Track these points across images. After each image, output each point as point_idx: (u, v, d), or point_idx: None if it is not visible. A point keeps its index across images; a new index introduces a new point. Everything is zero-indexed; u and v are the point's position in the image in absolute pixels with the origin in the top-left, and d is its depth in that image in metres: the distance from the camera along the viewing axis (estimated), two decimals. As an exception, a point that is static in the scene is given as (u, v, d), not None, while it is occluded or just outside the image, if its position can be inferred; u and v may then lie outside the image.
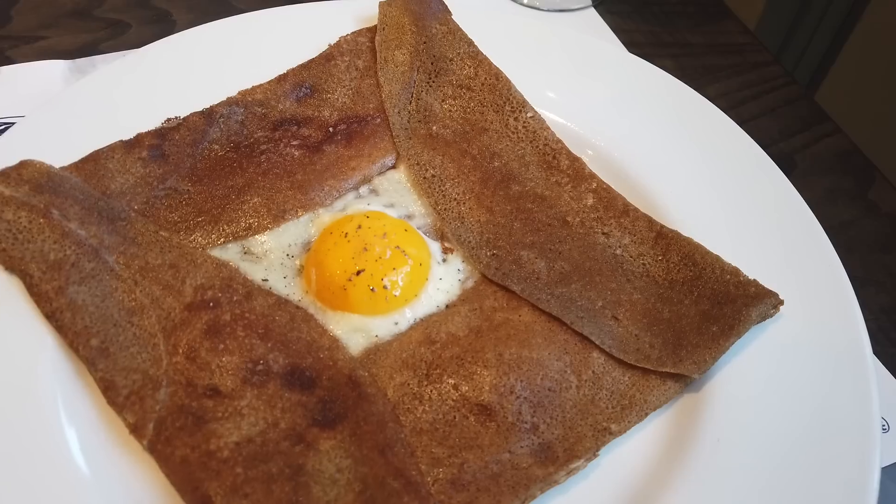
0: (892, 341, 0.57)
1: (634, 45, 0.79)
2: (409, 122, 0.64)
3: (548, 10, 0.82)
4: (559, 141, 0.63)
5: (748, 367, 0.49)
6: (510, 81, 0.66)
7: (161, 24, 0.78)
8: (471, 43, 0.68)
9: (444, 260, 0.56)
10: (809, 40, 0.92)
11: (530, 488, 0.44)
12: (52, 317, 0.49)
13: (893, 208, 0.66)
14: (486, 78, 0.66)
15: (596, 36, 0.80)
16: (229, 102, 0.63)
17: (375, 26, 0.69)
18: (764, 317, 0.50)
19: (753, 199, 0.58)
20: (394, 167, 0.62)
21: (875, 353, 0.56)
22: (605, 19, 0.82)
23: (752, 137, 0.69)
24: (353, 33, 0.69)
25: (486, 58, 0.67)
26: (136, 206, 0.56)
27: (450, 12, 0.70)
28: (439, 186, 0.60)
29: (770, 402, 0.47)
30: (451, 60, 0.67)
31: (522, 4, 0.83)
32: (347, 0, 0.73)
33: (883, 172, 0.69)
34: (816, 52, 0.92)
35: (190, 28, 0.75)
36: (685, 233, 0.57)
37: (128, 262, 0.52)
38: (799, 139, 0.71)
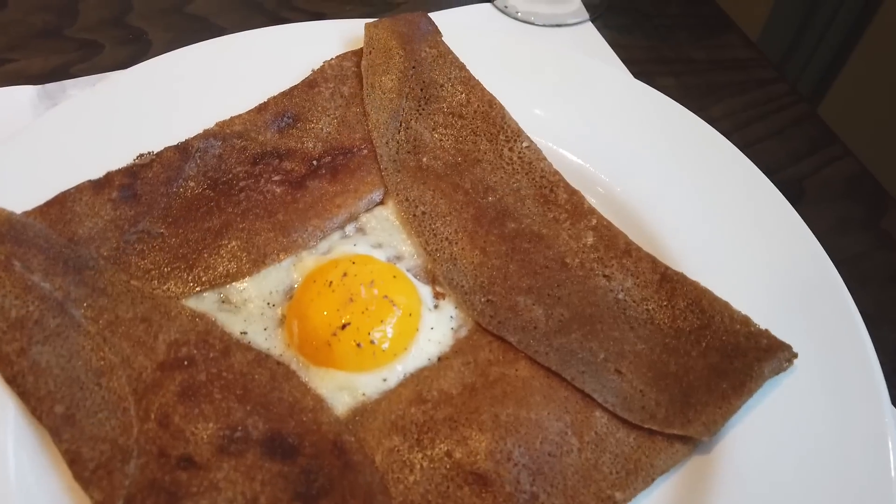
0: (910, 386, 0.54)
1: (634, 61, 0.76)
2: (397, 152, 0.61)
3: (543, 26, 0.78)
4: (556, 173, 0.60)
5: (759, 426, 0.46)
6: (504, 108, 0.62)
7: (136, 45, 0.74)
8: (462, 67, 0.65)
9: (435, 306, 0.53)
10: (814, 50, 0.88)
11: (530, 565, 0.41)
12: (14, 381, 0.45)
13: (907, 239, 0.63)
14: (478, 105, 0.63)
15: (594, 53, 0.76)
16: (206, 135, 0.59)
17: (361, 49, 0.65)
18: (776, 372, 0.47)
19: (763, 237, 0.55)
20: (382, 203, 0.59)
21: (893, 400, 0.53)
22: (602, 34, 0.78)
23: (759, 162, 0.66)
24: (337, 57, 0.65)
25: (478, 83, 0.64)
26: (106, 253, 0.52)
27: (440, 33, 0.67)
28: (430, 224, 0.57)
29: (783, 464, 0.44)
30: (441, 86, 0.64)
31: (517, 19, 0.79)
32: (333, 20, 0.69)
33: (894, 197, 0.66)
34: (822, 61, 0.88)
35: (166, 49, 0.71)
36: (690, 274, 0.53)
37: (96, 315, 0.49)
38: (807, 163, 0.68)
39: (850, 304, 0.50)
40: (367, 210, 0.58)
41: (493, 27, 0.78)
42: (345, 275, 0.50)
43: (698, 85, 0.74)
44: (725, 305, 0.51)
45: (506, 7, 0.79)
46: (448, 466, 0.44)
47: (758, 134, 0.70)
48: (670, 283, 0.53)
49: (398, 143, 0.61)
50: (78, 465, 0.43)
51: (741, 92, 0.74)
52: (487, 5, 0.80)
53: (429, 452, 0.44)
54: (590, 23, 0.79)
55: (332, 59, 0.65)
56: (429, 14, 0.78)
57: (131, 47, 0.74)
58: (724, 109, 0.72)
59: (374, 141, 0.61)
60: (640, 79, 0.74)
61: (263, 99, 0.62)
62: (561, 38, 0.78)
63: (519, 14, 0.79)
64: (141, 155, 0.57)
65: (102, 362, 0.47)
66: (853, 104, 0.83)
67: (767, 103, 0.73)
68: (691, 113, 0.62)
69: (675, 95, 0.72)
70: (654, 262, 0.54)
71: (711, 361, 0.48)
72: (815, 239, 0.54)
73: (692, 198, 0.57)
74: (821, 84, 0.88)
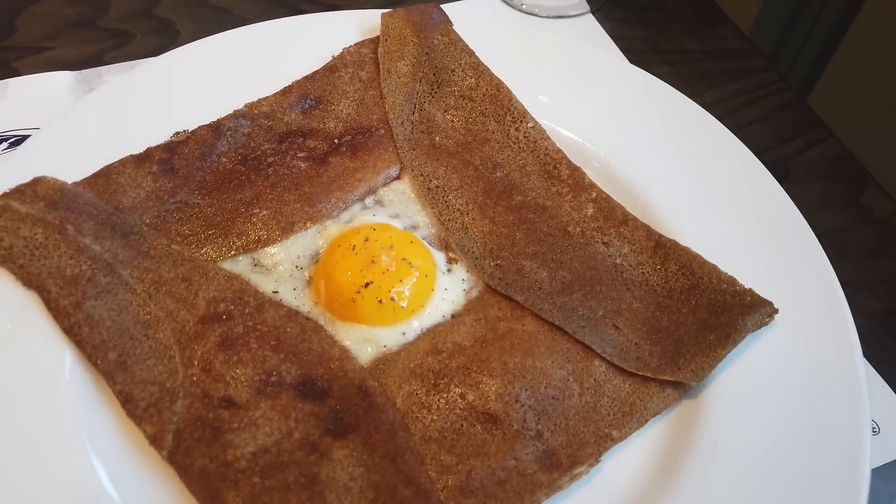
0: (884, 346, 0.59)
1: (632, 51, 0.80)
2: (412, 132, 0.66)
3: (546, 17, 0.83)
4: (559, 151, 0.65)
5: (743, 374, 0.51)
6: (511, 92, 0.67)
7: (165, 35, 0.79)
8: (472, 53, 0.69)
9: (448, 270, 0.58)
10: (803, 43, 0.93)
11: (535, 493, 0.46)
12: (71, 331, 0.50)
13: (885, 214, 0.68)
14: (487, 89, 0.68)
15: (594, 43, 0.81)
16: (236, 115, 0.64)
17: (378, 37, 0.70)
18: (759, 325, 0.52)
19: (749, 208, 0.59)
20: (398, 178, 0.64)
21: (866, 357, 0.58)
22: (602, 25, 0.83)
23: (747, 144, 0.71)
24: (356, 44, 0.70)
25: (486, 68, 0.69)
26: (148, 220, 0.57)
27: (451, 22, 0.71)
28: (443, 197, 0.62)
29: (764, 408, 0.49)
30: (452, 71, 0.69)
31: (522, 11, 0.84)
32: (351, 10, 0.74)
33: (875, 177, 0.71)
34: (810, 54, 0.93)
35: (193, 38, 0.76)
36: (683, 242, 0.58)
37: (142, 275, 0.54)
38: (793, 145, 0.73)
39: (828, 266, 0.55)
40: (385, 184, 0.63)
41: (499, 18, 0.83)
42: (366, 240, 0.55)
43: (692, 73, 0.79)
44: (713, 268, 0.55)
45: (511, 0, 0.84)
46: (462, 407, 0.49)
47: (747, 118, 0.75)
48: (664, 249, 0.58)
49: (413, 123, 0.66)
50: (131, 405, 0.48)
51: (732, 80, 0.79)
52: (494, -2, 0.85)
53: (444, 395, 0.49)
54: (590, 14, 0.84)
55: (350, 46, 0.70)
56: (440, 5, 0.83)
57: (160, 37, 0.79)
58: (715, 95, 0.77)
59: (390, 121, 0.66)
60: (637, 66, 0.79)
61: (288, 83, 0.67)
62: (563, 29, 0.82)
63: (524, 6, 0.84)
64: (177, 133, 0.62)
65: (149, 316, 0.52)
66: (840, 93, 0.87)
67: (757, 90, 0.78)
68: (684, 96, 0.67)
69: (669, 82, 0.77)
70: (648, 230, 0.59)
71: (700, 317, 0.53)
72: (797, 209, 0.59)
73: (685, 173, 0.62)
74: (810, 75, 0.93)
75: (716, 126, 0.65)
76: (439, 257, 0.58)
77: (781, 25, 0.94)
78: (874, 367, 0.57)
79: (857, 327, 0.58)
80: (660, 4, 0.87)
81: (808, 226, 0.58)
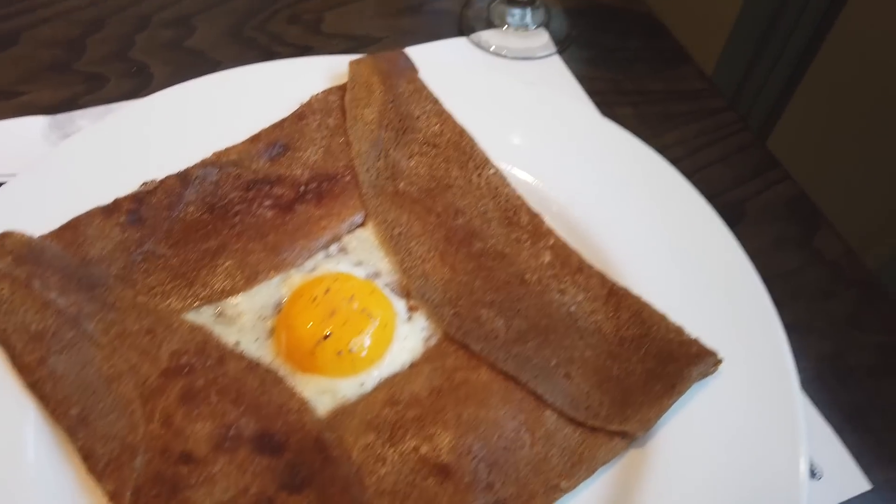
0: (830, 388, 0.61)
1: (597, 92, 0.82)
2: (377, 178, 0.67)
3: (514, 58, 0.85)
4: (519, 197, 0.66)
5: (688, 422, 0.53)
6: (473, 139, 0.69)
7: (139, 78, 0.80)
8: (436, 101, 0.71)
9: (409, 318, 0.59)
10: (764, 83, 0.96)
11: (485, 544, 0.48)
12: (35, 387, 0.51)
13: (836, 255, 0.70)
14: (450, 135, 0.69)
15: (560, 84, 0.83)
16: (204, 164, 0.66)
17: (346, 84, 0.72)
18: (704, 375, 0.54)
19: (700, 255, 0.61)
20: (362, 225, 0.65)
21: (813, 400, 0.60)
22: (569, 66, 0.85)
23: (706, 185, 0.73)
24: (323, 92, 0.72)
25: (450, 116, 0.71)
26: (115, 272, 0.59)
27: (416, 70, 0.73)
28: (405, 244, 0.63)
29: (707, 456, 0.51)
30: (417, 118, 0.70)
31: (490, 52, 0.86)
32: (320, 56, 0.76)
33: (828, 217, 0.73)
34: (771, 95, 0.96)
35: (166, 82, 0.78)
36: (635, 289, 0.60)
37: (107, 328, 0.55)
38: (750, 186, 0.75)
39: (774, 315, 0.57)
40: (349, 231, 0.65)
41: (467, 60, 0.85)
42: (327, 291, 0.57)
43: (654, 114, 0.81)
44: (662, 317, 0.57)
45: (479, 41, 0.86)
46: (415, 459, 0.50)
47: (707, 159, 0.77)
48: (616, 297, 0.59)
49: (378, 170, 0.68)
50: (92, 461, 0.49)
51: (693, 120, 0.81)
52: (463, 39, 0.87)
53: (399, 447, 0.51)
54: (557, 56, 0.86)
55: (318, 93, 0.72)
56: (409, 47, 0.85)
57: (134, 80, 0.80)
58: (676, 137, 0.79)
59: (356, 168, 0.68)
60: (602, 108, 0.81)
61: (257, 130, 0.69)
62: (530, 70, 0.84)
63: (492, 48, 0.86)
64: (145, 182, 0.64)
65: (112, 370, 0.53)
66: (797, 134, 0.90)
67: (717, 131, 0.80)
68: (641, 142, 0.69)
69: (633, 124, 0.80)
70: (602, 278, 0.61)
71: (648, 366, 0.55)
72: (746, 256, 0.61)
73: (638, 219, 0.64)
74: (770, 115, 0.95)
75: (670, 172, 0.67)
76: (400, 305, 0.60)
77: (743, 66, 0.96)
78: (820, 411, 0.59)
79: (804, 370, 0.60)
80: (625, 45, 0.89)
81: (756, 274, 0.60)
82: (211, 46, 0.84)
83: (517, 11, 0.88)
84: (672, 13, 0.93)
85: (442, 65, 0.76)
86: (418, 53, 0.85)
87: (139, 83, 0.80)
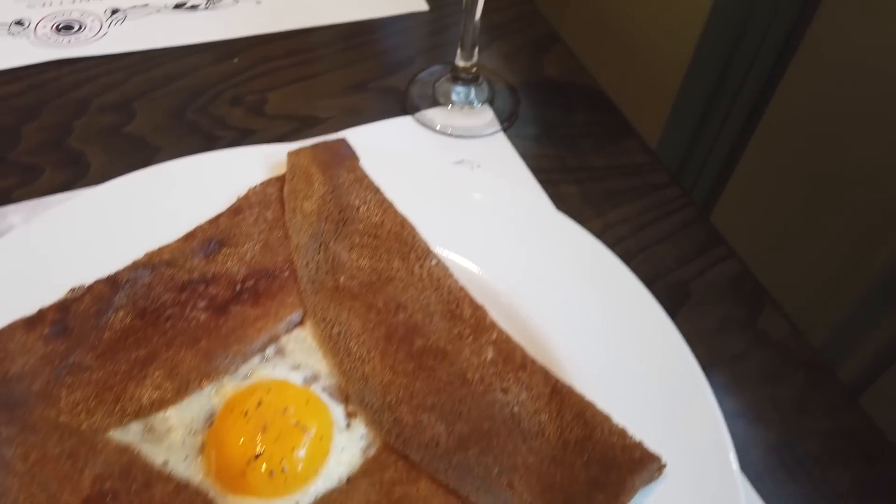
0: (778, 480, 0.60)
1: (542, 170, 0.83)
2: (316, 272, 0.66)
3: (459, 137, 0.85)
4: (462, 289, 0.66)
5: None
6: (414, 229, 0.68)
7: (75, 167, 0.79)
8: (377, 190, 0.71)
9: (347, 426, 0.58)
10: (706, 157, 0.97)
11: None
12: (-58, 527, 0.48)
13: (781, 336, 0.70)
14: (391, 226, 0.69)
15: (504, 162, 0.83)
16: (136, 266, 0.64)
17: (284, 175, 0.71)
18: (648, 481, 0.53)
19: (640, 348, 0.61)
20: (301, 323, 0.64)
21: (761, 494, 0.59)
22: (514, 143, 0.86)
23: (650, 266, 0.73)
24: (261, 184, 0.71)
25: (391, 205, 0.70)
26: (37, 388, 0.56)
27: (357, 158, 0.73)
28: (344, 344, 0.62)
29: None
30: (357, 209, 0.69)
31: (435, 131, 0.86)
32: (259, 145, 0.75)
33: (772, 295, 0.73)
34: (714, 168, 0.97)
35: (103, 171, 0.77)
36: (578, 383, 0.59)
37: (26, 453, 0.52)
38: (695, 265, 0.75)
39: (717, 413, 0.56)
40: (287, 331, 0.63)
41: (412, 140, 0.84)
42: (259, 403, 0.55)
43: (599, 191, 0.81)
44: (605, 418, 0.56)
45: (424, 120, 0.86)
46: (350, 588, 0.48)
47: (651, 238, 0.77)
48: (559, 396, 0.58)
49: (317, 263, 0.67)
50: None
51: (637, 197, 0.81)
52: (408, 118, 0.87)
53: (333, 575, 0.49)
54: (502, 133, 0.86)
55: (256, 185, 0.70)
56: (353, 128, 0.85)
57: (70, 170, 0.78)
58: (620, 215, 0.79)
59: (294, 263, 0.66)
60: (546, 187, 0.81)
61: (192, 227, 0.67)
62: (475, 149, 0.85)
63: (438, 127, 0.86)
64: (73, 289, 0.62)
65: (30, 501, 0.50)
66: (740, 208, 0.91)
67: (661, 207, 0.80)
68: (584, 230, 0.69)
69: (577, 202, 0.80)
70: (546, 374, 0.60)
71: (592, 474, 0.54)
72: (688, 348, 0.60)
73: (581, 310, 0.64)
74: (714, 189, 0.97)
75: (613, 261, 0.66)
76: (338, 411, 0.58)
77: (687, 136, 0.98)
78: (768, 506, 0.58)
79: (752, 463, 0.60)
80: (569, 119, 0.89)
81: (698, 368, 0.59)
82: (151, 132, 0.83)
83: (461, 89, 0.89)
84: (615, 84, 0.94)
85: (384, 149, 0.75)
86: (362, 134, 0.85)
87: (75, 173, 0.78)
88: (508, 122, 0.87)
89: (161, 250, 0.65)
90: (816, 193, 0.85)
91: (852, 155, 0.84)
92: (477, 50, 0.85)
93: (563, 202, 0.80)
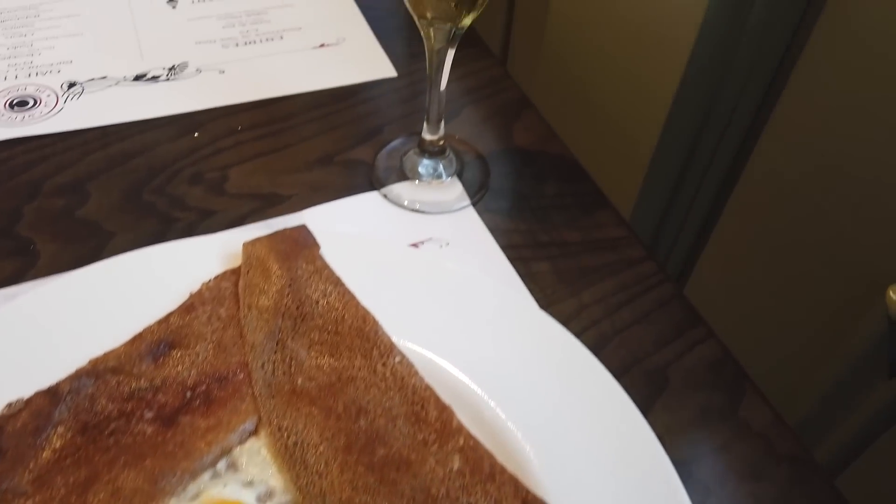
0: None
1: (511, 246, 0.80)
2: (273, 374, 0.63)
3: (427, 213, 0.83)
4: (428, 388, 0.62)
5: None
6: (377, 323, 0.65)
7: (22, 257, 0.75)
8: (338, 282, 0.67)
9: (302, 551, 0.54)
10: (681, 227, 0.95)
11: None
12: None
13: (763, 426, 0.67)
14: (352, 321, 0.65)
15: (473, 238, 0.80)
16: (79, 374, 0.60)
17: (240, 268, 0.68)
18: None
19: (614, 450, 0.58)
20: (255, 433, 0.60)
21: None
22: (483, 218, 0.83)
23: (627, 351, 0.70)
24: (215, 278, 0.67)
25: (353, 298, 0.67)
26: (-36, 522, 0.52)
27: (318, 246, 0.70)
28: (301, 456, 0.58)
29: None
30: (316, 303, 0.66)
31: (402, 207, 0.83)
32: (215, 234, 0.72)
33: (752, 379, 0.71)
34: (687, 240, 0.95)
35: (52, 260, 0.73)
36: (550, 493, 0.56)
37: None
38: (672, 348, 0.72)
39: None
40: (241, 442, 0.59)
41: (379, 216, 0.82)
42: (206, 534, 0.51)
43: (571, 269, 0.78)
44: (578, 540, 0.53)
45: (391, 195, 0.84)
46: None
47: (627, 319, 0.74)
48: (530, 512, 0.55)
49: (274, 364, 0.63)
50: None
51: (612, 273, 0.78)
52: (375, 194, 0.84)
53: None
54: (471, 207, 0.84)
55: (210, 279, 0.67)
56: (317, 206, 0.82)
57: (18, 260, 0.75)
58: (595, 294, 0.76)
59: (249, 364, 0.63)
60: (517, 265, 0.78)
61: (142, 326, 0.64)
62: (444, 225, 0.82)
63: (405, 202, 0.83)
64: (10, 404, 0.58)
65: None
66: (716, 282, 0.89)
67: (637, 284, 0.78)
68: (556, 322, 0.65)
69: (550, 281, 0.77)
70: (516, 485, 0.56)
71: None
72: (664, 454, 0.57)
73: (551, 409, 0.60)
74: (688, 260, 0.95)
75: (585, 355, 0.63)
76: (294, 534, 0.54)
77: (661, 206, 0.96)
78: None
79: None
80: (541, 191, 0.87)
81: (673, 470, 0.56)
82: (105, 216, 0.80)
83: (429, 162, 0.86)
84: (587, 151, 0.92)
85: (346, 234, 0.73)
86: (326, 213, 0.82)
87: (23, 263, 0.75)
88: (478, 196, 0.85)
89: (107, 356, 0.61)
90: (790, 262, 0.82)
91: (829, 222, 0.82)
92: (443, 124, 0.83)
93: (534, 281, 0.77)
